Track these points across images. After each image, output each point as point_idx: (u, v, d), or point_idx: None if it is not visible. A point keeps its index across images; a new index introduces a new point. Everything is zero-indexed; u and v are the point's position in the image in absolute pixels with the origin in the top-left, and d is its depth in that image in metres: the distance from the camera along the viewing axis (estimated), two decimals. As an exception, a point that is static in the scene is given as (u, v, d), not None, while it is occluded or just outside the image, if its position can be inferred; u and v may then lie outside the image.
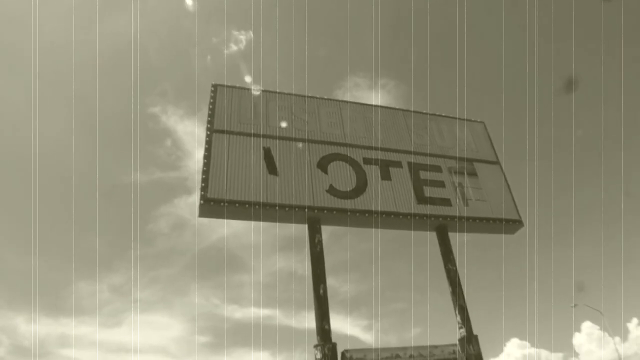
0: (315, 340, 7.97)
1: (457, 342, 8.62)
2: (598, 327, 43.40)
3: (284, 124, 10.08)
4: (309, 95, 11.03)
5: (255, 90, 10.40)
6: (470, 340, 8.53)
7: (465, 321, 8.78)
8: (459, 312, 8.91)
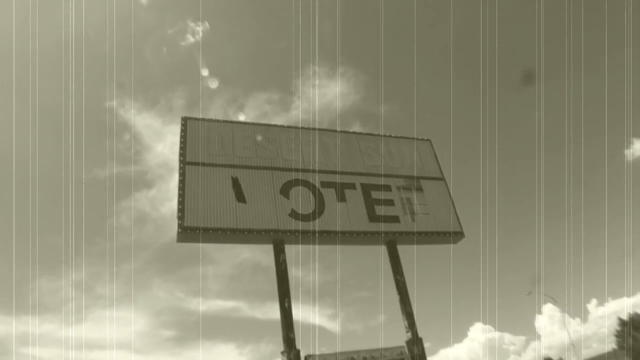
0: (280, 331, 9.36)
1: (404, 343, 10.00)
2: (559, 310, 45.84)
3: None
4: (271, 124, 12.20)
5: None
6: (415, 342, 9.92)
7: (412, 325, 10.16)
8: (406, 318, 10.29)
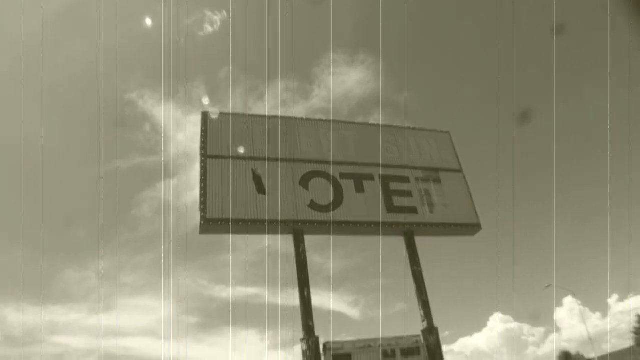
0: (299, 318, 9.66)
1: (420, 333, 10.20)
2: (579, 303, 45.34)
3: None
4: (290, 116, 12.41)
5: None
6: (430, 331, 10.13)
7: (428, 315, 10.35)
8: (422, 307, 10.47)
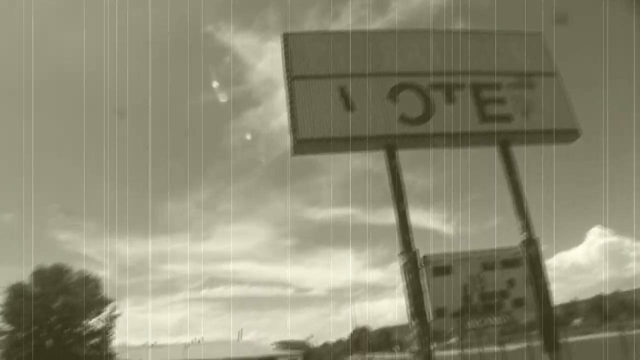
0: (395, 235, 9.78)
1: (519, 244, 9.98)
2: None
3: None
4: (371, 30, 11.93)
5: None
6: (531, 242, 9.90)
7: (527, 226, 10.07)
8: (521, 218, 10.19)
